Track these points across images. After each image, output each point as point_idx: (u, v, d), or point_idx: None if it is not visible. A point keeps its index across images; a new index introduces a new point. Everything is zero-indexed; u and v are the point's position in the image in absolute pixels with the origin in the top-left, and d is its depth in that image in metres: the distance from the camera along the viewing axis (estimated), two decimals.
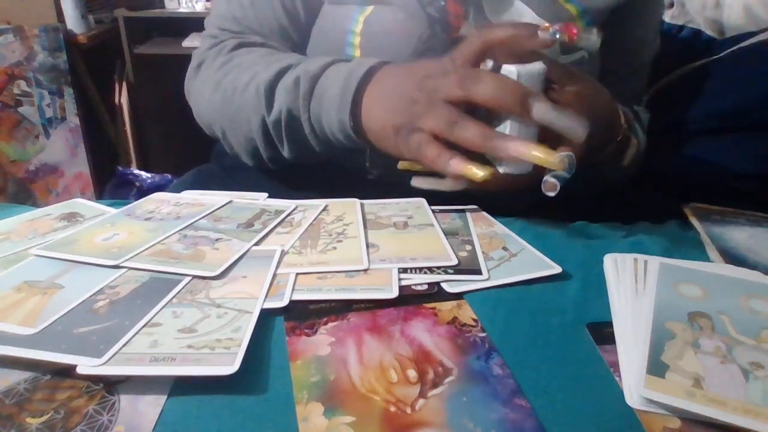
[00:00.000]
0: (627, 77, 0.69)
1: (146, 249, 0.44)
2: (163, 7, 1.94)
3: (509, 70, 0.44)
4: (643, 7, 0.65)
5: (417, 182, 0.51)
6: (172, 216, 0.50)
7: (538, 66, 0.44)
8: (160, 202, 0.54)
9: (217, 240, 0.46)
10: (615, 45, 0.63)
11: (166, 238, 0.46)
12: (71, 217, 0.50)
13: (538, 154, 0.41)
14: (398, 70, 0.49)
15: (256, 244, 0.45)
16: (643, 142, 0.63)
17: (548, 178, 0.43)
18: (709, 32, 0.79)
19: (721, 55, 0.75)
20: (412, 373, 0.33)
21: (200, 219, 0.50)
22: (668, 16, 0.85)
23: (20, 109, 1.69)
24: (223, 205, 0.53)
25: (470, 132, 0.42)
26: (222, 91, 0.59)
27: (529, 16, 0.57)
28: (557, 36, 0.43)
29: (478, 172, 0.43)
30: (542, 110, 0.41)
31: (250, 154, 0.61)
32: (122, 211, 0.51)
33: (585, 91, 0.47)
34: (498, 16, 0.58)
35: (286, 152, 0.57)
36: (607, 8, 0.60)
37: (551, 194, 0.43)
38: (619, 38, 0.63)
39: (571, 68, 0.48)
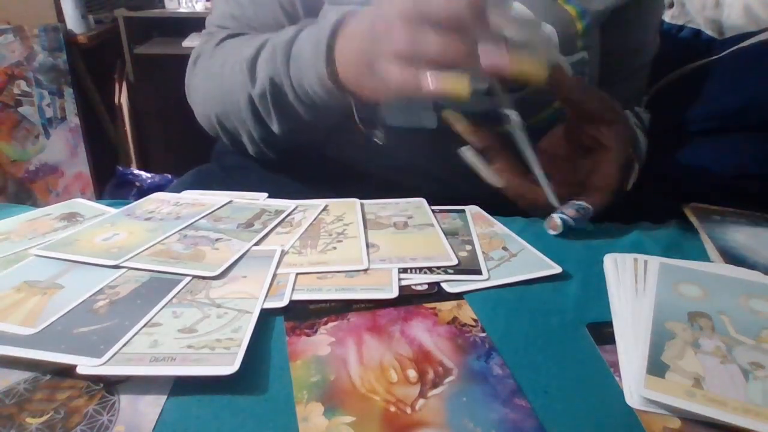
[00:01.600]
0: (627, 78, 0.69)
1: (146, 249, 0.44)
2: (163, 7, 1.94)
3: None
4: (642, 8, 0.65)
5: (465, 152, 0.49)
6: (172, 216, 0.50)
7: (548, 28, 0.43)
8: (160, 202, 0.54)
9: (217, 240, 0.46)
10: (615, 46, 0.63)
11: (166, 238, 0.46)
12: (71, 217, 0.50)
13: (521, 66, 0.38)
14: (364, 12, 0.47)
15: (256, 244, 0.45)
16: (644, 147, 0.63)
17: (554, 216, 0.43)
18: (709, 32, 0.79)
19: (721, 55, 0.75)
20: (412, 373, 0.33)
21: (200, 219, 0.50)
22: (668, 16, 0.85)
23: (20, 109, 1.69)
24: (223, 205, 0.53)
25: (433, 40, 0.38)
26: (212, 77, 0.59)
27: (524, 12, 0.57)
28: None
29: (458, 83, 0.38)
30: (497, 19, 0.38)
31: (247, 139, 0.60)
32: (122, 211, 0.51)
33: (621, 131, 0.48)
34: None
35: (275, 127, 0.56)
36: (607, 9, 0.60)
37: (552, 232, 0.43)
38: (619, 39, 0.63)
39: (612, 104, 0.48)
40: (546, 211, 0.48)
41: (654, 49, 0.71)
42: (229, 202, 0.54)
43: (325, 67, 0.49)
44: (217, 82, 0.58)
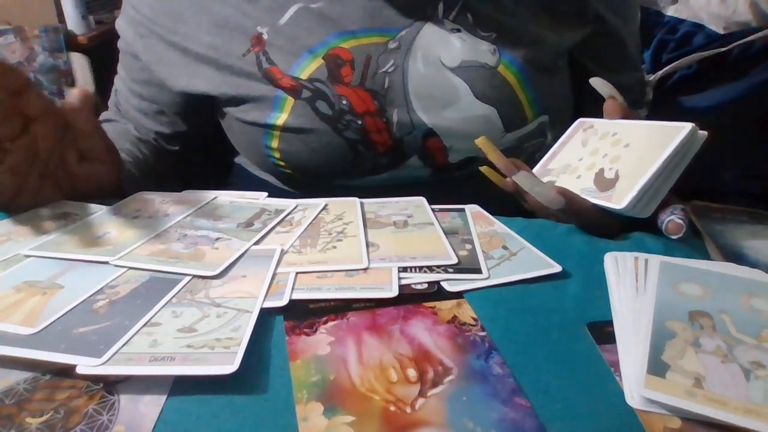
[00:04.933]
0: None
1: (140, 246, 0.44)
2: None
3: None
4: (605, 40, 0.65)
5: (520, 176, 0.49)
6: (160, 214, 0.50)
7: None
8: (144, 201, 0.54)
9: (216, 239, 0.46)
10: (594, 70, 0.62)
11: (157, 234, 0.45)
12: (66, 216, 0.50)
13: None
14: None
15: (256, 243, 0.45)
16: None
17: (674, 219, 0.46)
18: (713, 27, 0.78)
19: (726, 49, 0.75)
20: (411, 373, 0.33)
21: (188, 216, 0.50)
22: (671, 11, 0.85)
23: None
24: (221, 205, 0.53)
25: None
26: None
27: (464, 91, 0.57)
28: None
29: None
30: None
31: None
32: (109, 210, 0.51)
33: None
34: (433, 109, 0.57)
35: None
36: (559, 48, 0.60)
37: (675, 236, 0.45)
38: (596, 64, 0.64)
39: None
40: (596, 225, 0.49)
41: (638, 65, 0.71)
42: (230, 201, 0.54)
43: None
44: None
